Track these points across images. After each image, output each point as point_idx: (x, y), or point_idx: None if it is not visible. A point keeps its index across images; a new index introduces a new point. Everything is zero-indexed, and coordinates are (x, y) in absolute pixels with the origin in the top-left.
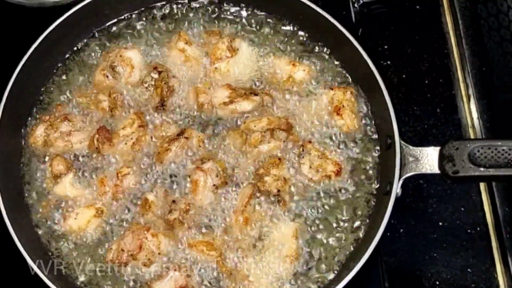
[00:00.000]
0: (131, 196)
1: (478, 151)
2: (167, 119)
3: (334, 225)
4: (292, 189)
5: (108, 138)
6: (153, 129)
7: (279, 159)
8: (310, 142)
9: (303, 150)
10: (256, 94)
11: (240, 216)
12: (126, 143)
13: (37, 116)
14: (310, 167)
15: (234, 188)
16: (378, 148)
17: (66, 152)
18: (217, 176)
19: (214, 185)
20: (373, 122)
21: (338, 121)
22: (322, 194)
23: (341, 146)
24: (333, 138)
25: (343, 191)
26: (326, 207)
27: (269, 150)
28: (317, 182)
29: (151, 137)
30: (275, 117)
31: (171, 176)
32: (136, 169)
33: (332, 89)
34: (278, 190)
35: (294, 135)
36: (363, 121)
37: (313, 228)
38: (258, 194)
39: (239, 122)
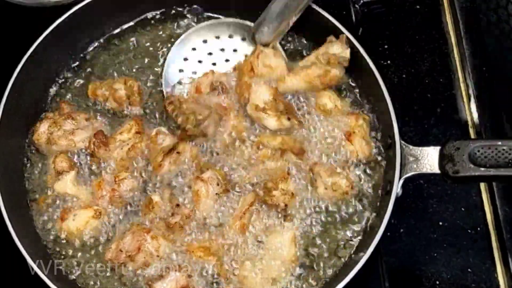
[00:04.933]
0: (129, 201)
1: (479, 151)
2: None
3: (334, 224)
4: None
5: (104, 142)
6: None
7: (288, 173)
8: (316, 163)
9: (312, 174)
10: (288, 119)
11: (238, 222)
12: (122, 148)
13: (40, 115)
14: (326, 189)
15: (235, 197)
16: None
17: (69, 150)
18: (218, 184)
19: (216, 193)
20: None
21: (348, 147)
22: None
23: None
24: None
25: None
26: (326, 206)
27: (275, 168)
28: (335, 198)
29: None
30: (290, 138)
31: (170, 184)
32: (135, 174)
33: (346, 115)
34: (286, 205)
35: (303, 161)
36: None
37: (313, 228)
38: (263, 206)
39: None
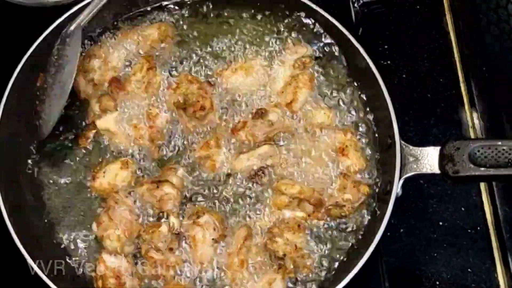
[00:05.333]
0: (168, 133)
1: (479, 151)
2: None
3: (335, 223)
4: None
5: (120, 87)
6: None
7: (299, 226)
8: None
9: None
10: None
11: (236, 258)
12: (139, 88)
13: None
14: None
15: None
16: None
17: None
18: (214, 229)
19: (213, 239)
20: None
21: (344, 162)
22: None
23: None
24: None
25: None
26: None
27: (292, 217)
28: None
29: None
30: (309, 188)
31: None
32: (164, 107)
33: (334, 132)
34: (284, 255)
35: (321, 213)
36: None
37: (313, 227)
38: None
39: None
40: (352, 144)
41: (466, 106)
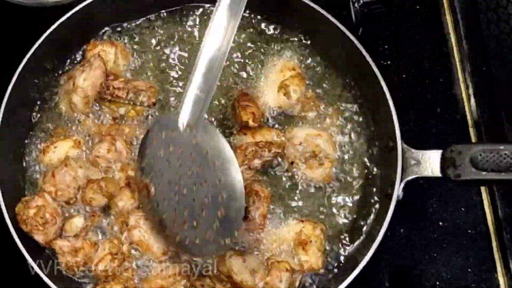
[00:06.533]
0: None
1: (480, 155)
2: None
3: (336, 225)
4: None
5: None
6: None
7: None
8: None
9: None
10: None
11: None
12: None
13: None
14: None
15: None
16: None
17: None
18: None
19: None
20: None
21: (302, 256)
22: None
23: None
24: None
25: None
26: (329, 208)
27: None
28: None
29: None
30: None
31: None
32: None
33: (302, 221)
34: None
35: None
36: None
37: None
38: None
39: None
40: (317, 241)
41: (466, 106)
